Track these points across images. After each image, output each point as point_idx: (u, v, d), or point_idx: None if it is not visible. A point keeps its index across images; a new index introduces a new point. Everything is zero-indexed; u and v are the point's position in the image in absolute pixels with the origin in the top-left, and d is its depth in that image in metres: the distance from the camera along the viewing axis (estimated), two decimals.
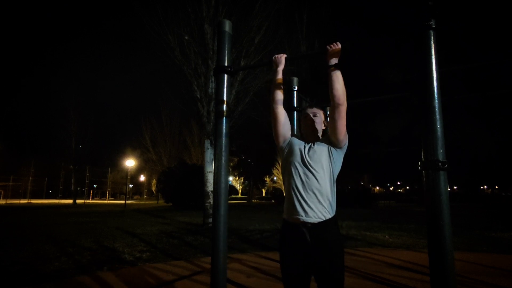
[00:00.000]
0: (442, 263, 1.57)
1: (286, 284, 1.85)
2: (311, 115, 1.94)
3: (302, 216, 1.78)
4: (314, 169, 1.80)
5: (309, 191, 1.79)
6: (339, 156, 1.86)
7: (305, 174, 1.82)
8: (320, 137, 1.94)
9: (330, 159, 1.83)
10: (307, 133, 1.93)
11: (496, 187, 55.60)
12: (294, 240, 1.81)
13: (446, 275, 1.56)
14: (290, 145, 1.93)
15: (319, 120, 1.94)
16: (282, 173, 1.98)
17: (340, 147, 1.84)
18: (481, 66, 3.08)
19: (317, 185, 1.79)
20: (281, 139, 1.96)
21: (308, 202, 1.78)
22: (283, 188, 1.98)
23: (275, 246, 5.53)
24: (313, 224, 1.76)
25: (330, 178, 1.83)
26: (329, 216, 1.79)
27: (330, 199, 1.81)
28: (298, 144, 1.90)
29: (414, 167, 1.79)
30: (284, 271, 1.86)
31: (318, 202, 1.78)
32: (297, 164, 1.85)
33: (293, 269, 1.82)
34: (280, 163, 2.00)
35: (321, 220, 1.76)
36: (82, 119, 27.99)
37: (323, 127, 1.96)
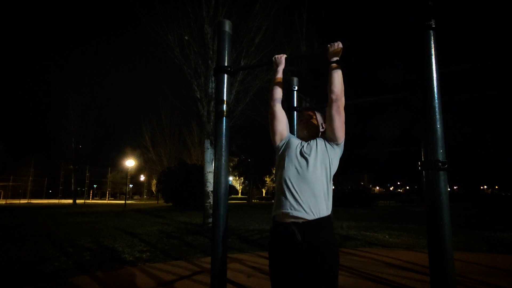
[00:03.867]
0: (442, 263, 1.57)
1: None
2: (307, 117, 1.90)
3: (292, 210, 1.62)
4: (310, 161, 1.69)
5: (302, 183, 1.65)
6: (335, 154, 1.77)
7: (299, 165, 1.70)
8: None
9: (327, 154, 1.74)
10: (303, 134, 1.89)
11: (496, 187, 55.58)
12: (283, 241, 1.65)
13: (446, 275, 1.56)
14: (287, 142, 1.85)
15: (316, 121, 1.88)
16: (276, 171, 1.85)
17: (337, 144, 1.76)
18: (481, 66, 3.08)
19: (312, 177, 1.66)
20: (278, 137, 1.89)
21: (300, 194, 1.63)
22: None
23: None
24: (304, 221, 1.60)
25: (327, 174, 1.71)
26: (323, 214, 1.63)
27: (325, 195, 1.67)
28: (296, 140, 1.84)
29: (414, 167, 1.78)
30: (272, 276, 1.71)
31: (312, 196, 1.63)
32: (293, 155, 1.75)
33: (282, 274, 1.65)
34: (276, 163, 1.88)
35: (314, 217, 1.60)
36: (82, 119, 27.99)
37: (321, 129, 1.89)
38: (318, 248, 1.59)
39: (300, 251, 1.60)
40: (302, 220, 1.61)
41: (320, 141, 1.78)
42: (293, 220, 1.63)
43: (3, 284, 3.36)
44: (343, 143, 1.80)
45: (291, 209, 1.63)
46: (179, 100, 10.57)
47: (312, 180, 1.66)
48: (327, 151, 1.75)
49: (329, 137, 1.77)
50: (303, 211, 1.61)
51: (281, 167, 1.78)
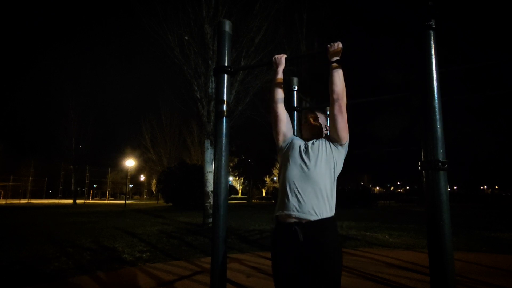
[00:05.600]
0: (442, 263, 1.57)
1: None
2: (312, 120, 1.87)
3: (295, 210, 1.62)
4: (313, 161, 1.69)
5: (305, 183, 1.65)
6: (340, 154, 1.76)
7: (303, 165, 1.69)
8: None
9: (332, 156, 1.73)
10: (307, 136, 1.87)
11: (496, 187, 55.58)
12: (285, 241, 1.64)
13: (446, 275, 1.56)
14: (291, 143, 1.84)
15: (320, 123, 1.87)
16: (279, 172, 1.85)
17: (341, 144, 1.75)
18: (481, 66, 3.08)
19: (316, 177, 1.65)
20: (281, 138, 1.89)
21: (303, 195, 1.63)
22: None
23: None
24: (307, 221, 1.59)
25: (330, 175, 1.70)
26: (326, 214, 1.62)
27: (329, 196, 1.66)
28: (299, 141, 1.83)
29: (414, 167, 1.78)
30: (276, 276, 1.67)
31: (315, 196, 1.62)
32: (296, 156, 1.74)
33: (286, 274, 1.62)
34: (279, 163, 1.88)
35: (317, 218, 1.60)
36: (82, 119, 28.01)
37: (325, 131, 1.87)
38: (321, 248, 1.57)
39: (302, 251, 1.59)
40: (305, 221, 1.60)
41: (325, 142, 1.77)
42: (295, 220, 1.62)
43: (3, 284, 3.36)
44: (347, 144, 1.78)
45: (293, 210, 1.63)
46: (179, 100, 10.58)
47: (316, 181, 1.66)
48: (332, 152, 1.74)
49: (333, 138, 1.76)
50: (306, 211, 1.61)
51: (284, 167, 1.78)
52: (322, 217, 1.61)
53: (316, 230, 1.60)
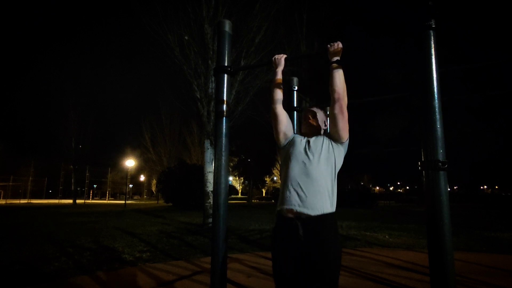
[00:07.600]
0: (442, 263, 1.57)
1: (278, 286, 1.68)
2: (311, 115, 1.91)
3: (296, 205, 1.64)
4: (315, 158, 1.72)
5: (307, 179, 1.68)
6: (340, 152, 1.78)
7: (304, 162, 1.72)
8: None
9: (333, 153, 1.76)
10: (307, 132, 1.90)
11: (496, 187, 55.60)
12: (286, 236, 1.66)
13: (446, 275, 1.56)
14: (292, 140, 1.88)
15: (319, 119, 1.90)
16: (281, 169, 1.89)
17: (341, 143, 1.78)
18: (481, 66, 3.08)
19: (317, 174, 1.68)
20: (282, 137, 1.92)
21: (305, 190, 1.65)
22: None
23: None
24: (308, 216, 1.61)
25: (331, 171, 1.73)
26: (327, 210, 1.64)
27: (330, 192, 1.68)
28: (300, 138, 1.86)
29: (414, 167, 1.78)
30: (275, 271, 1.70)
31: (316, 192, 1.65)
32: (298, 153, 1.77)
33: (285, 269, 1.65)
34: (280, 161, 1.92)
35: (318, 213, 1.62)
36: (82, 119, 28.01)
37: (324, 127, 1.91)
38: (320, 245, 1.59)
39: (302, 246, 1.61)
40: (306, 216, 1.62)
41: (325, 139, 1.80)
42: (296, 215, 1.65)
43: (3, 284, 3.36)
44: (347, 142, 1.81)
45: (295, 205, 1.66)
46: (179, 100, 10.57)
47: (317, 177, 1.68)
48: (332, 149, 1.77)
49: (333, 137, 1.79)
50: (307, 206, 1.63)
51: (286, 164, 1.81)
52: (322, 213, 1.63)
53: (316, 226, 1.61)
